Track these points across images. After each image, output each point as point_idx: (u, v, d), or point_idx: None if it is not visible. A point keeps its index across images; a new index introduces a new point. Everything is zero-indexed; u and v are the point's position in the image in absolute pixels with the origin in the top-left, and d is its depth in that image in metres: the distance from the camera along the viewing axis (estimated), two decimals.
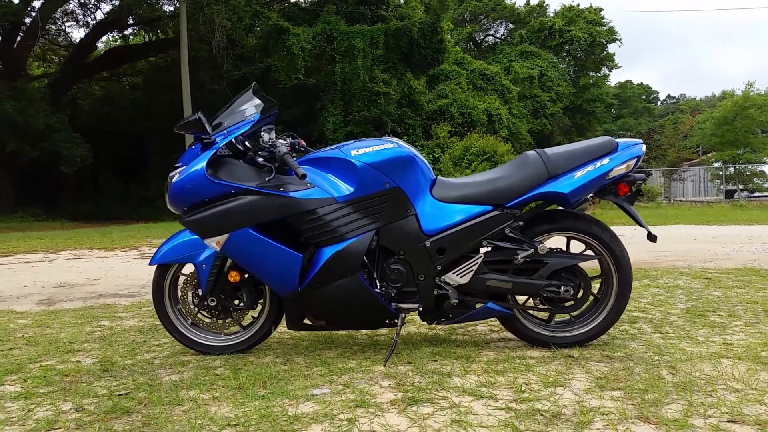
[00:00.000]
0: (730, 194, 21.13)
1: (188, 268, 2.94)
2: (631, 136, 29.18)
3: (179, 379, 2.54)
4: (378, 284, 2.73)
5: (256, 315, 2.95)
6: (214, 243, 2.66)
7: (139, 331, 3.56)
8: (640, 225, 2.79)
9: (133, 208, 25.83)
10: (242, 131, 2.66)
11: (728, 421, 1.89)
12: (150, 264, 2.86)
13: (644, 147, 2.80)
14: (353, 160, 2.65)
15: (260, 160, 2.63)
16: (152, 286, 2.91)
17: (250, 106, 2.71)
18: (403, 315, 2.77)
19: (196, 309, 2.91)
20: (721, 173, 20.65)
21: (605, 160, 2.68)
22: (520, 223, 2.71)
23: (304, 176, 2.45)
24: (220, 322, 2.92)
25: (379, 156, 2.67)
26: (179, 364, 2.78)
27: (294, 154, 2.94)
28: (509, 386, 2.29)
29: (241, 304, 2.89)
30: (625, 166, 2.69)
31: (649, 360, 2.59)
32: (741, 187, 20.16)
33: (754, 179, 20.26)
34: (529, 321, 2.85)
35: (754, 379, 2.28)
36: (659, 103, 62.49)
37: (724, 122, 19.22)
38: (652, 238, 2.81)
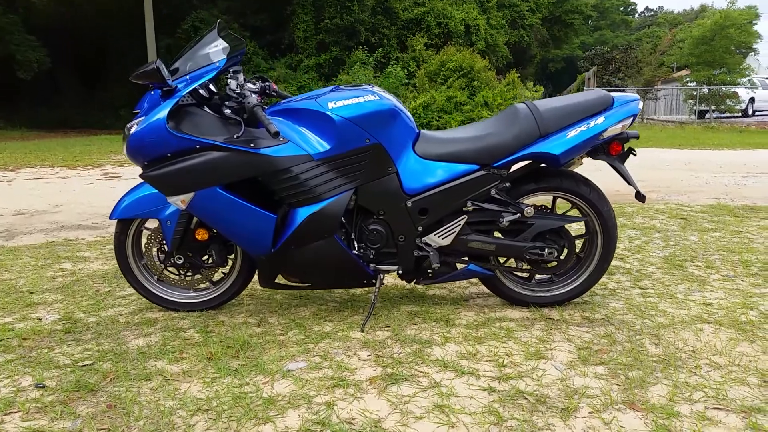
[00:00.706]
0: (701, 114, 21.15)
1: (152, 222, 2.76)
2: (607, 50, 28.66)
3: (146, 344, 2.42)
4: (356, 245, 2.60)
5: (226, 271, 2.81)
6: (179, 201, 2.47)
7: (103, 277, 3.40)
8: (630, 184, 2.67)
9: (96, 116, 24.89)
10: (207, 78, 2.41)
11: (714, 408, 1.85)
12: (110, 218, 2.66)
13: (641, 104, 2.64)
14: (330, 114, 2.43)
15: (227, 111, 2.40)
16: (114, 241, 2.73)
17: (216, 49, 2.44)
18: (382, 276, 2.65)
19: (162, 266, 2.75)
20: (695, 93, 20.56)
21: (600, 119, 2.51)
22: (507, 184, 2.56)
23: (277, 134, 2.23)
24: (188, 278, 2.78)
25: (359, 109, 2.45)
26: (146, 323, 2.66)
27: (264, 100, 2.71)
28: (491, 358, 2.22)
29: (210, 261, 2.73)
30: (620, 126, 2.53)
31: (630, 325, 2.55)
32: (713, 107, 20.16)
33: (727, 100, 20.23)
34: (510, 281, 2.77)
35: (736, 352, 2.26)
36: (637, 15, 61.27)
37: (702, 41, 18.88)
38: (641, 198, 2.70)
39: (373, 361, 2.22)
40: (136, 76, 2.35)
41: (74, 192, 7.01)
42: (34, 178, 8.25)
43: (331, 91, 2.56)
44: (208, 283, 2.81)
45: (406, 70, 18.45)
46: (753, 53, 24.47)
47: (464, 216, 2.58)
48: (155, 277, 2.80)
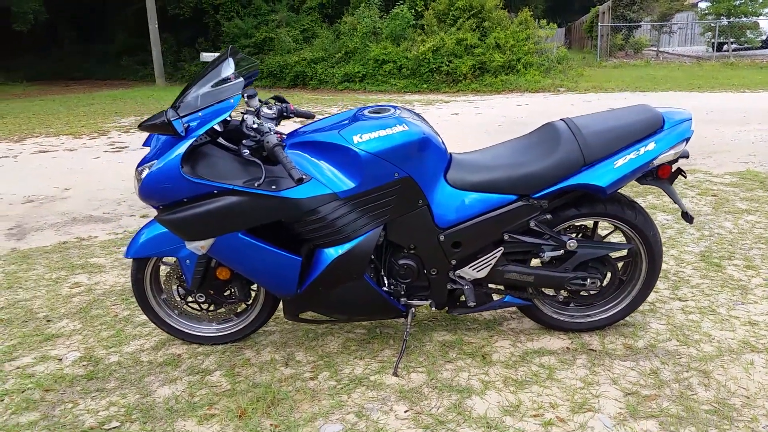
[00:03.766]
0: (719, 47, 20.38)
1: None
2: None
3: (172, 395, 2.33)
4: (386, 281, 2.46)
5: (249, 302, 2.69)
6: (199, 247, 2.32)
7: (120, 295, 3.30)
8: (678, 204, 2.49)
9: (97, 66, 24.41)
10: (221, 118, 2.21)
11: None
12: (126, 257, 2.53)
13: (692, 123, 2.42)
14: (356, 149, 2.24)
15: (246, 152, 2.20)
16: (131, 278, 2.60)
17: (229, 84, 2.22)
18: (413, 310, 2.52)
19: (183, 302, 2.63)
20: (713, 25, 19.74)
21: (650, 144, 2.31)
22: (548, 216, 2.38)
23: (300, 180, 2.06)
24: (210, 313, 2.66)
25: (387, 143, 2.25)
26: (170, 363, 2.56)
27: (279, 124, 2.50)
28: (535, 412, 2.12)
29: (233, 297, 2.61)
30: (673, 152, 2.32)
31: (676, 357, 2.43)
32: (732, 40, 19.39)
33: (747, 32, 19.43)
34: (547, 307, 2.63)
35: None
36: None
37: None
38: (688, 219, 2.52)
39: (411, 420, 2.11)
40: (146, 127, 2.16)
41: (82, 170, 6.85)
42: (41, 151, 8.08)
43: (354, 118, 2.36)
44: (232, 316, 2.70)
45: (413, 11, 17.73)
46: None
47: (501, 248, 2.42)
48: (176, 312, 2.69)
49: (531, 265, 2.52)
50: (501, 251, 2.43)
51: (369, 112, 2.39)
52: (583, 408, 2.14)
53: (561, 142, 2.34)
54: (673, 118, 2.38)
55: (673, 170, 2.45)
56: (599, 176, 2.30)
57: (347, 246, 2.30)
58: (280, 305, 2.67)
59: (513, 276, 2.47)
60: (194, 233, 2.29)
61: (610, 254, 2.53)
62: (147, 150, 2.40)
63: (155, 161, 2.23)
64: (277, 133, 2.31)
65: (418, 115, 2.49)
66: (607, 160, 2.31)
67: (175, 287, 2.62)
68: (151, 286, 2.63)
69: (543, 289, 2.65)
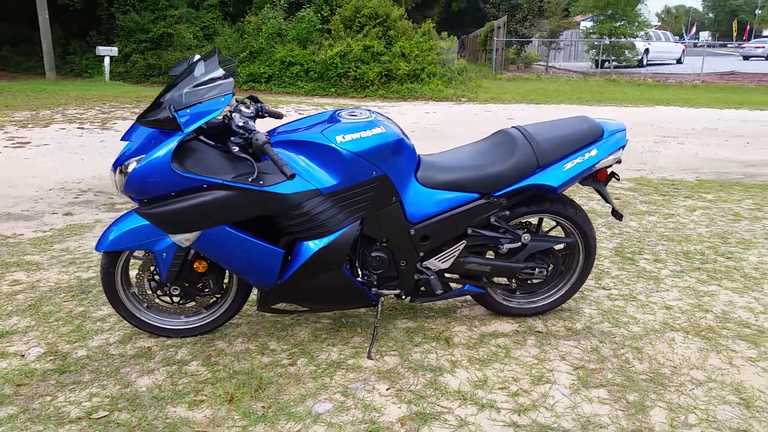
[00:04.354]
0: (600, 64, 22.12)
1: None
2: None
3: (154, 385, 2.37)
4: (359, 272, 2.63)
5: (219, 296, 2.76)
6: (183, 240, 2.39)
7: (68, 292, 3.24)
8: (609, 203, 2.86)
9: None
10: (212, 116, 2.30)
11: None
12: (97, 250, 2.53)
13: (626, 133, 2.79)
14: (339, 148, 2.40)
15: (235, 149, 2.30)
16: (101, 273, 2.60)
17: (219, 84, 2.32)
18: (382, 299, 2.72)
19: (155, 295, 2.67)
20: (596, 44, 21.43)
21: (593, 151, 2.65)
22: (507, 212, 2.66)
23: (293, 176, 2.19)
24: (180, 306, 2.71)
25: (368, 143, 2.44)
26: (142, 356, 2.59)
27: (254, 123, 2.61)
28: (501, 385, 2.38)
29: (207, 290, 2.68)
30: (612, 158, 2.68)
31: (611, 336, 2.78)
32: (613, 58, 21.14)
33: (625, 51, 21.27)
34: (498, 295, 2.91)
35: (709, 365, 2.54)
36: None
37: None
38: (618, 216, 2.89)
39: (394, 396, 2.31)
40: (149, 122, 2.21)
41: None
42: None
43: (333, 119, 2.52)
44: (201, 309, 2.76)
45: (319, 15, 17.88)
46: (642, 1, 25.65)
47: (464, 241, 2.67)
48: (145, 305, 2.71)
49: (487, 256, 2.80)
50: (464, 244, 2.68)
51: (346, 114, 2.56)
52: (542, 381, 2.42)
53: (517, 147, 2.63)
54: (610, 128, 2.74)
55: (608, 174, 2.81)
56: (551, 177, 2.61)
57: (328, 239, 2.46)
58: (251, 298, 2.78)
59: (473, 266, 2.73)
60: (181, 226, 2.35)
61: (554, 247, 2.85)
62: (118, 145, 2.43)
63: (143, 155, 2.28)
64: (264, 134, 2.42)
65: (389, 119, 2.69)
66: (557, 164, 2.63)
67: (146, 281, 2.65)
68: (121, 280, 2.64)
69: (494, 279, 2.93)
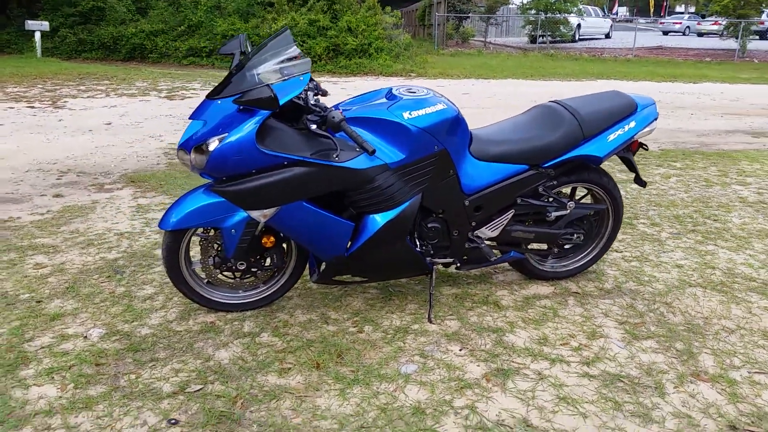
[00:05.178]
0: (534, 39, 22.70)
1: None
2: None
3: (236, 357, 2.43)
4: (417, 242, 2.75)
5: (277, 270, 2.82)
6: (261, 216, 2.44)
7: (102, 273, 3.20)
8: (634, 171, 3.09)
9: None
10: (295, 94, 2.34)
11: (756, 372, 2.37)
12: (163, 228, 2.54)
13: (657, 107, 3.01)
14: (407, 125, 2.50)
15: (314, 127, 2.36)
16: (164, 251, 2.61)
17: (298, 62, 2.37)
18: (436, 267, 2.86)
19: (218, 271, 2.70)
20: (532, 19, 22.00)
21: (631, 123, 2.86)
22: (554, 182, 2.84)
23: (373, 151, 2.28)
24: (240, 282, 2.76)
25: (433, 119, 2.54)
26: (209, 330, 2.63)
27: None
28: (562, 341, 2.57)
29: (270, 264, 2.74)
30: (648, 129, 2.89)
31: (640, 294, 3.03)
32: (549, 33, 21.79)
33: (561, 27, 21.96)
34: (534, 260, 3.11)
35: (734, 316, 2.82)
36: None
37: None
38: (642, 183, 3.13)
39: (469, 356, 2.46)
40: (247, 101, 2.23)
41: None
42: None
43: (391, 97, 2.60)
44: (259, 283, 2.81)
45: None
46: None
47: (512, 210, 2.84)
48: (205, 281, 2.75)
49: (530, 224, 2.98)
50: (512, 213, 2.84)
51: (405, 90, 2.65)
52: (596, 336, 2.64)
53: (563, 120, 2.81)
54: (642, 103, 2.95)
55: (638, 144, 3.03)
56: (597, 148, 2.81)
57: (395, 212, 2.56)
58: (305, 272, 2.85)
59: (519, 234, 2.90)
60: (260, 202, 2.40)
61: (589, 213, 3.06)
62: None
63: (225, 134, 2.30)
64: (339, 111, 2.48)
65: (443, 95, 2.80)
66: (600, 135, 2.82)
67: (211, 257, 2.67)
68: (184, 258, 2.66)
69: (531, 245, 3.12)
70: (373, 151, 2.28)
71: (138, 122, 7.84)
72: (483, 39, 23.53)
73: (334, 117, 2.32)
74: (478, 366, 2.39)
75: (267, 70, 2.33)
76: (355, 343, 2.54)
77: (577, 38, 24.64)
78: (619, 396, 2.22)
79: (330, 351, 2.47)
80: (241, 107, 2.32)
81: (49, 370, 2.33)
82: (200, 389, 2.23)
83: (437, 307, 2.86)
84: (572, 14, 22.20)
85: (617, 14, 51.20)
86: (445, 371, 2.35)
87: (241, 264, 2.66)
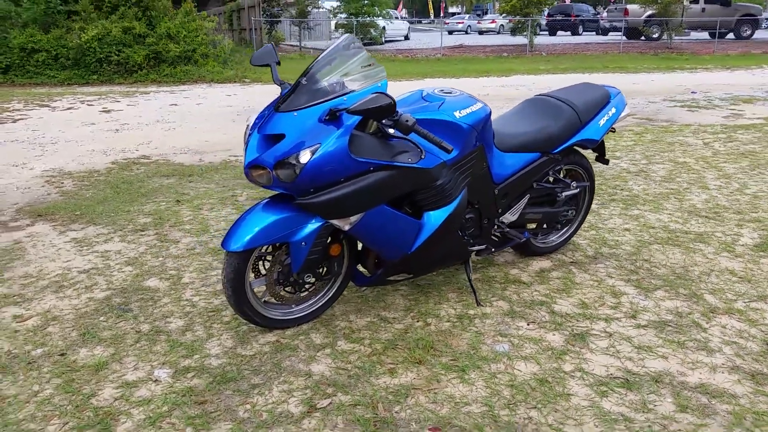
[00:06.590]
0: None
1: None
2: None
3: (331, 368, 2.42)
4: (459, 234, 2.93)
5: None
6: (346, 223, 2.44)
7: (106, 314, 2.91)
8: (601, 152, 3.57)
9: None
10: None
11: (751, 301, 2.94)
12: (235, 250, 2.42)
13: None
14: (460, 123, 2.66)
15: (391, 131, 2.43)
16: (229, 274, 2.47)
17: (375, 68, 2.42)
18: (472, 255, 3.06)
19: (281, 287, 2.64)
20: (345, 22, 22.75)
21: (612, 109, 3.30)
22: (562, 166, 3.20)
23: (451, 150, 2.43)
24: (301, 294, 2.72)
25: (476, 116, 2.74)
26: (285, 349, 2.57)
27: None
28: (600, 303, 2.93)
29: (329, 274, 2.73)
30: (624, 113, 3.36)
31: (618, 256, 3.52)
32: (361, 36, 22.68)
33: (371, 30, 22.99)
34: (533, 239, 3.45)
35: (700, 262, 3.42)
36: None
37: None
38: (605, 161, 3.62)
39: (539, 328, 2.71)
40: (365, 110, 2.20)
41: None
42: None
43: (429, 99, 2.74)
44: (310, 296, 2.78)
45: None
46: None
47: (528, 195, 3.14)
48: (263, 300, 2.67)
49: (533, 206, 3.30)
50: (528, 197, 3.15)
51: (439, 92, 2.81)
52: (618, 294, 3.04)
53: (562, 110, 3.17)
54: (612, 92, 3.42)
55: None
56: (593, 132, 3.21)
57: (452, 206, 2.71)
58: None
59: (531, 216, 3.22)
60: (347, 209, 2.41)
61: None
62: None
63: (317, 145, 2.28)
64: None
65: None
66: (593, 121, 3.23)
67: (275, 274, 2.60)
68: (249, 278, 2.56)
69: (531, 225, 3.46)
70: (451, 149, 2.42)
71: None
72: (297, 43, 23.74)
73: (407, 121, 2.40)
74: (554, 335, 2.65)
75: (349, 78, 2.36)
76: (434, 335, 2.66)
77: (383, 41, 25.94)
78: (677, 337, 2.63)
79: (419, 346, 2.56)
80: (327, 117, 2.32)
81: (150, 420, 2.13)
82: (329, 403, 2.21)
83: (479, 294, 3.06)
84: (380, 17, 23.34)
85: (404, 16, 54.51)
86: (534, 344, 2.58)
87: (309, 276, 2.63)
